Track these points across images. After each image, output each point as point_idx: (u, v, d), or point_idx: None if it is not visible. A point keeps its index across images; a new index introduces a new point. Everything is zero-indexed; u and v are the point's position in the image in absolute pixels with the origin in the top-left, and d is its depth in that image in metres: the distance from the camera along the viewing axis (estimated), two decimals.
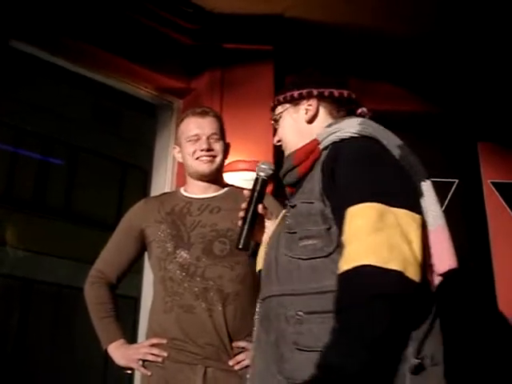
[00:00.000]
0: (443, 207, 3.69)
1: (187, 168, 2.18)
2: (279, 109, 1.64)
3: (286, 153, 1.61)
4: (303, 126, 1.58)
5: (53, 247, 10.33)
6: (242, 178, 3.04)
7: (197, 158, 2.12)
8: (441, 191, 3.74)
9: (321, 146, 1.47)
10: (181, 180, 3.00)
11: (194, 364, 1.94)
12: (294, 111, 1.60)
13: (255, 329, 1.44)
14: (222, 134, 2.19)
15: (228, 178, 3.11)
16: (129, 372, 2.11)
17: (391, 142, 1.38)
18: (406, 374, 1.20)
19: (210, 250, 2.02)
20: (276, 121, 1.65)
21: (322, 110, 1.57)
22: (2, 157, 10.18)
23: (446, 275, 1.26)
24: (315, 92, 1.56)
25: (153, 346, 2.02)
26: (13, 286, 10.01)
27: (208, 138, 2.13)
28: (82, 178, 11.08)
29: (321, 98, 1.56)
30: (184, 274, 2.01)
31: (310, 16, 3.49)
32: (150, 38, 3.47)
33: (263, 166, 1.64)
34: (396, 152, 1.35)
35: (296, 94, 1.59)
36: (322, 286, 1.29)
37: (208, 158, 2.11)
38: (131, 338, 2.31)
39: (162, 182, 3.48)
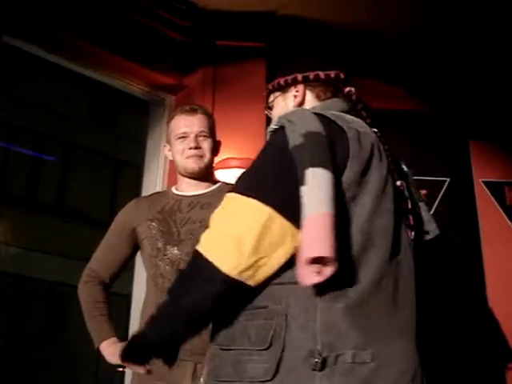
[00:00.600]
0: (434, 206, 3.72)
1: (177, 166, 2.20)
2: (271, 98, 1.64)
3: None
4: None
5: (45, 244, 10.31)
6: (233, 176, 3.04)
7: (186, 157, 2.13)
8: (432, 190, 3.77)
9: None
10: (172, 177, 3.00)
11: (184, 360, 1.94)
12: (283, 99, 1.60)
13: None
14: (211, 132, 2.19)
15: (220, 175, 3.11)
16: (120, 369, 2.11)
17: (299, 130, 1.29)
18: (312, 372, 1.19)
19: None
20: (269, 110, 1.65)
21: (309, 94, 1.56)
22: None
23: (320, 267, 1.16)
24: (300, 77, 1.55)
25: None
26: (4, 282, 9.97)
27: (196, 136, 2.14)
28: (75, 174, 11.06)
29: (307, 82, 1.55)
30: (175, 270, 2.01)
31: (303, 14, 3.49)
32: (143, 35, 3.46)
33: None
34: (295, 141, 1.28)
35: (282, 81, 1.59)
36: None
37: (196, 157, 2.13)
38: (124, 336, 2.31)
39: (153, 178, 3.47)
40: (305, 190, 1.20)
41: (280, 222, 1.22)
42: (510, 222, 3.55)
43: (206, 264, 1.23)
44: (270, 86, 1.63)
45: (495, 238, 3.51)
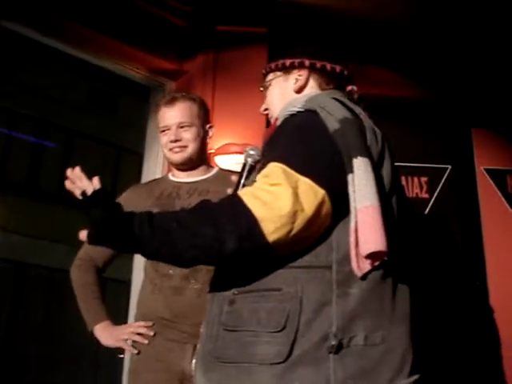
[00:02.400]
0: (436, 193, 3.71)
1: (165, 158, 2.25)
2: (270, 76, 1.63)
3: (272, 122, 1.61)
4: (290, 95, 1.56)
5: (46, 231, 10.30)
6: (233, 161, 3.03)
7: (168, 149, 2.15)
8: (434, 177, 3.76)
9: (278, 123, 1.46)
10: None
11: (184, 342, 1.96)
12: (284, 80, 1.59)
13: (207, 307, 1.43)
14: (194, 119, 2.16)
15: (220, 160, 3.10)
16: (121, 356, 2.12)
17: (335, 115, 1.32)
18: (327, 354, 1.21)
19: None
20: (265, 88, 1.64)
21: (311, 82, 1.56)
22: None
23: (375, 259, 1.22)
24: (307, 62, 1.55)
25: (140, 326, 2.04)
26: (6, 269, 9.99)
27: (177, 128, 2.13)
28: (77, 161, 11.01)
29: (312, 69, 1.55)
30: None
31: None
32: (144, 20, 3.44)
33: (251, 152, 1.62)
34: (334, 125, 1.29)
35: (288, 62, 1.58)
36: (257, 265, 1.30)
37: (178, 148, 2.13)
38: (123, 322, 2.31)
39: (153, 165, 3.46)
40: (352, 179, 1.23)
41: (327, 208, 1.24)
42: (511, 210, 3.54)
43: (245, 211, 1.19)
44: (272, 65, 1.62)
45: (496, 225, 3.50)
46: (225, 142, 3.09)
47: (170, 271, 2.01)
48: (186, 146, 2.13)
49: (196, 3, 3.51)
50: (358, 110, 1.42)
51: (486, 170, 3.58)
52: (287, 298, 1.24)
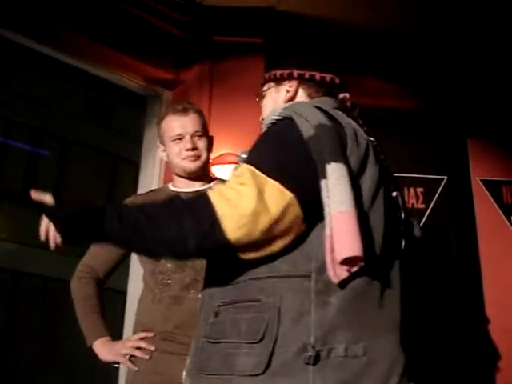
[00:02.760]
0: (432, 204, 3.71)
1: (173, 167, 2.17)
2: (265, 87, 1.64)
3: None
4: (281, 106, 1.54)
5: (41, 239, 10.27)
6: (230, 171, 3.02)
7: (183, 158, 2.11)
8: (430, 188, 3.76)
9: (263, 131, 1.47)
10: (169, 173, 2.97)
11: (183, 355, 1.93)
12: (276, 91, 1.61)
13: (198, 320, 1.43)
14: (204, 130, 2.17)
15: (217, 170, 3.10)
16: (116, 365, 2.10)
17: (311, 122, 1.31)
18: (305, 365, 1.19)
19: None
20: (261, 98, 1.66)
21: (301, 92, 1.57)
22: None
23: (351, 265, 1.20)
24: (296, 73, 1.56)
25: (140, 339, 2.02)
26: (1, 278, 9.95)
27: (192, 137, 2.11)
28: (72, 170, 11.02)
29: (301, 80, 1.56)
30: (175, 266, 2.01)
31: (302, 9, 3.47)
32: (140, 29, 3.45)
33: (243, 156, 1.63)
34: (309, 132, 1.29)
35: (278, 73, 1.60)
36: (239, 276, 1.30)
37: (193, 158, 2.10)
38: (118, 332, 2.30)
39: (150, 174, 3.46)
40: (325, 185, 1.22)
41: (296, 211, 1.23)
42: (507, 221, 3.55)
43: (209, 208, 1.20)
44: (266, 76, 1.64)
45: (492, 236, 3.51)
46: (221, 152, 3.09)
47: (169, 281, 2.01)
48: (200, 156, 2.12)
49: (193, 13, 3.51)
50: (341, 116, 1.41)
51: (482, 180, 3.59)
52: (265, 309, 1.23)
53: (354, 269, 1.20)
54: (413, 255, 1.54)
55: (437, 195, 3.55)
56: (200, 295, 1.45)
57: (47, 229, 1.31)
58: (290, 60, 1.61)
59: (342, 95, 1.57)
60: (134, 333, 2.11)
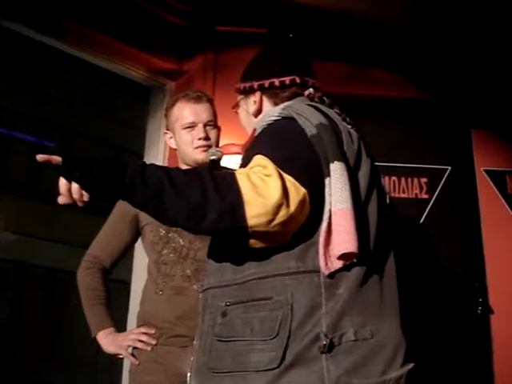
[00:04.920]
0: (436, 194, 3.71)
1: (182, 155, 2.12)
2: (238, 98, 1.68)
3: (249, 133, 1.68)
4: (252, 118, 1.61)
5: (46, 231, 10.30)
6: (234, 162, 3.02)
7: (195, 147, 2.06)
8: (433, 178, 3.76)
9: (256, 133, 1.49)
10: (172, 163, 2.98)
11: (184, 346, 1.95)
12: (245, 103, 1.64)
13: (199, 320, 1.43)
14: (216, 120, 2.15)
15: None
16: (120, 356, 2.12)
17: (311, 121, 1.34)
18: (319, 354, 1.22)
19: None
20: (237, 107, 1.69)
21: (265, 101, 1.59)
22: None
23: (346, 259, 1.25)
24: (255, 85, 1.58)
25: (143, 333, 2.03)
26: (5, 269, 9.99)
27: (205, 126, 2.08)
28: None
29: (262, 90, 1.58)
30: (177, 256, 2.02)
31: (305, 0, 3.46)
32: (143, 19, 3.44)
33: (214, 151, 1.94)
34: (311, 131, 1.32)
35: (242, 87, 1.64)
36: (245, 276, 1.31)
37: (205, 148, 2.05)
38: (123, 322, 2.31)
39: None
40: (329, 183, 1.26)
41: (307, 207, 1.27)
42: (511, 211, 3.54)
43: (235, 190, 1.20)
44: (235, 88, 1.67)
45: (496, 226, 3.50)
46: (224, 143, 3.09)
47: (173, 272, 2.02)
48: (211, 146, 2.07)
49: (196, 3, 3.50)
50: (331, 113, 1.44)
51: (486, 171, 3.58)
52: (278, 306, 1.25)
53: (348, 262, 1.26)
54: (400, 236, 1.58)
55: (441, 185, 3.54)
56: (201, 296, 1.46)
57: (67, 189, 1.25)
58: (248, 72, 1.63)
59: (307, 92, 1.57)
60: (138, 322, 2.13)
